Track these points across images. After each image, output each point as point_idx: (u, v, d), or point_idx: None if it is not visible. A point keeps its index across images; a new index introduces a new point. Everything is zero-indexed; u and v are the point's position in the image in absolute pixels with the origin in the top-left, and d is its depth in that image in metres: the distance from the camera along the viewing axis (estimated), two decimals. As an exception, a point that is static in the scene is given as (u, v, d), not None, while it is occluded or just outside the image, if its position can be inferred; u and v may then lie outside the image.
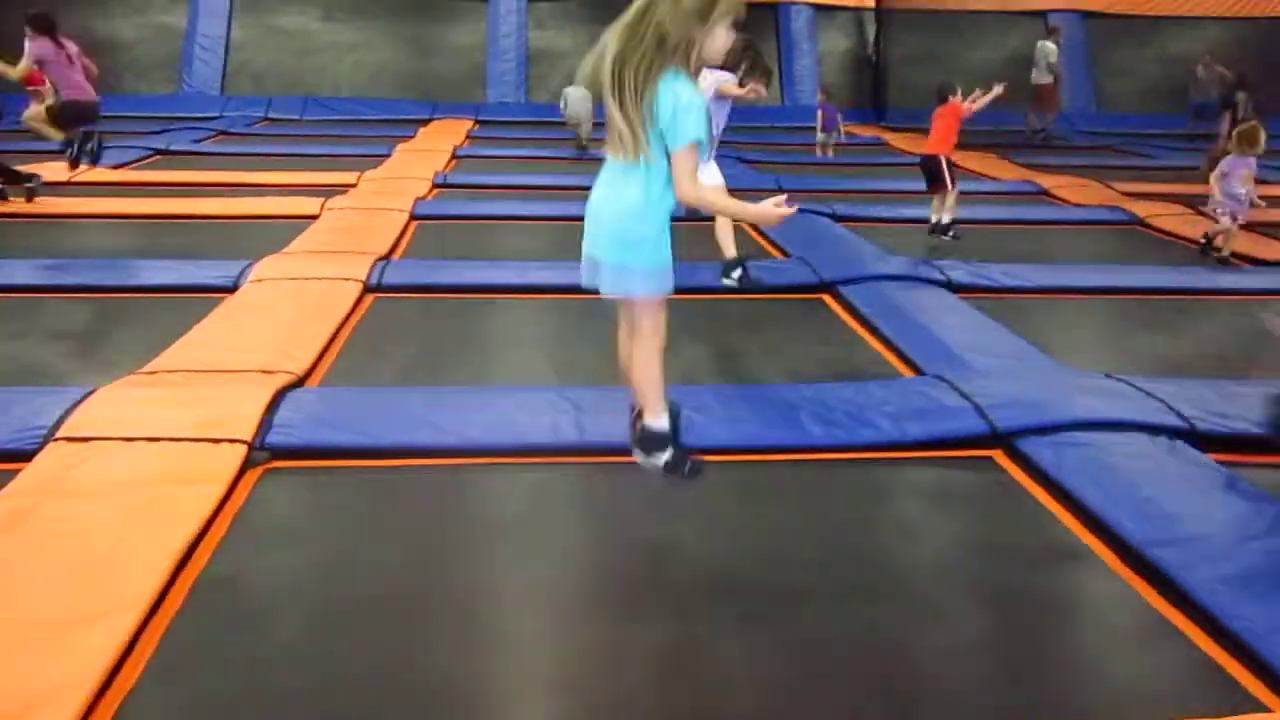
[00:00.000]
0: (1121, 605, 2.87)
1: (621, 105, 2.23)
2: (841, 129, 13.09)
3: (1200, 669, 2.56)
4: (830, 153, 12.88)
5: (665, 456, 2.43)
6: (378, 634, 2.62)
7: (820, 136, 12.96)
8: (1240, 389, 4.27)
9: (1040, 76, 14.66)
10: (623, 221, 2.34)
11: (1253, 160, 7.19)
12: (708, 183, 5.11)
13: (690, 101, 2.22)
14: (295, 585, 2.87)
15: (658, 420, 2.44)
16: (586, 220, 2.41)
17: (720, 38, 2.27)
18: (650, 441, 2.40)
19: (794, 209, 2.55)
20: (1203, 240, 7.44)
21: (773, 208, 2.48)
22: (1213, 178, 7.31)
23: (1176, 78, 16.11)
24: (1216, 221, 7.33)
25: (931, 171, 7.61)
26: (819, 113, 13.07)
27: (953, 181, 7.53)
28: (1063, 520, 3.32)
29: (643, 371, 2.36)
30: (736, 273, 5.92)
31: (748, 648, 2.60)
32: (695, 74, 2.31)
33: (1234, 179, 7.14)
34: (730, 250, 5.90)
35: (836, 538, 3.21)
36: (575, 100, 12.38)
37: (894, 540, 3.26)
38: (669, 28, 2.18)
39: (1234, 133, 7.40)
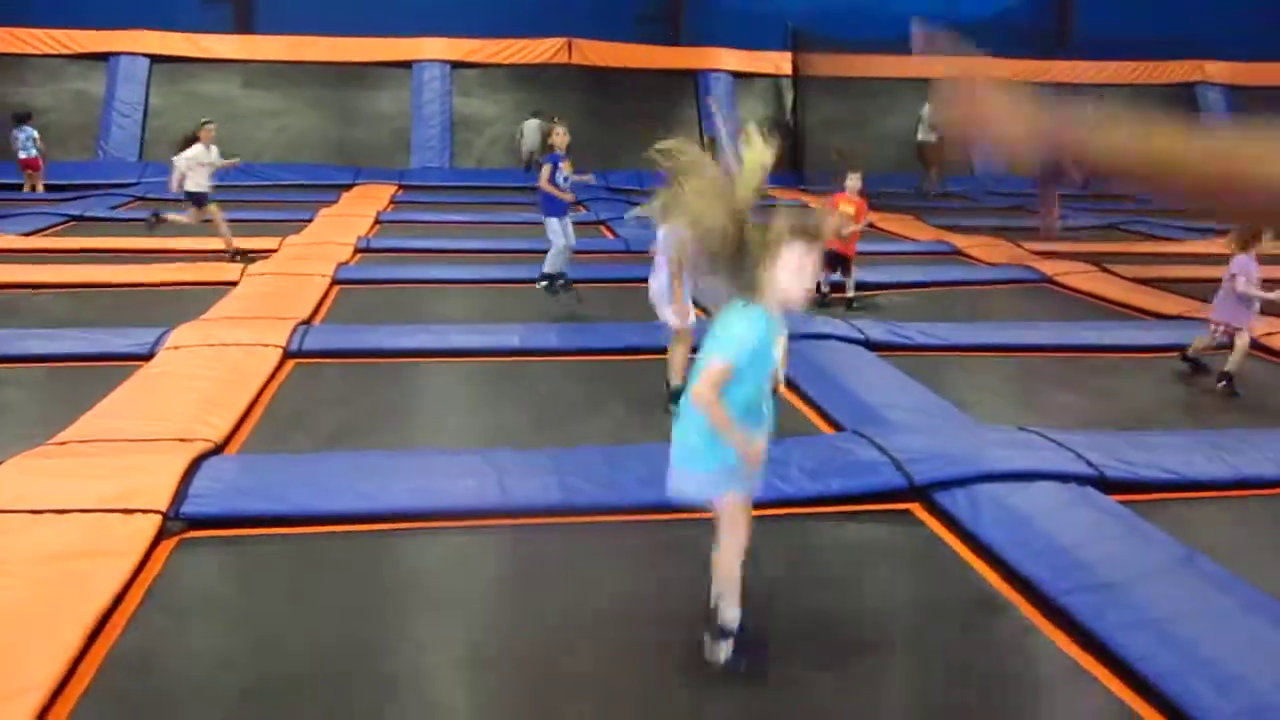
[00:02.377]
0: (1039, 653, 2.93)
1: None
2: None
3: (1115, 715, 2.63)
4: None
5: (727, 650, 2.55)
6: (299, 712, 2.57)
7: None
8: (1144, 438, 4.45)
9: (926, 135, 15.28)
10: (677, 428, 2.57)
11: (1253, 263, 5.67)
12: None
13: (728, 332, 2.42)
14: (212, 663, 2.79)
15: (733, 612, 2.57)
16: None
17: (791, 260, 2.42)
18: (721, 632, 2.54)
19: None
20: (1223, 375, 5.74)
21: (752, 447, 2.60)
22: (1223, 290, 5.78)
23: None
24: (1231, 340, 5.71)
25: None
26: None
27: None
28: (979, 571, 3.40)
29: (719, 567, 2.50)
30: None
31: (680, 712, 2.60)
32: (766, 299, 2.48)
33: (1250, 281, 5.60)
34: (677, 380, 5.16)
35: (763, 598, 3.23)
36: (529, 130, 14.09)
37: (817, 597, 3.29)
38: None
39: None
